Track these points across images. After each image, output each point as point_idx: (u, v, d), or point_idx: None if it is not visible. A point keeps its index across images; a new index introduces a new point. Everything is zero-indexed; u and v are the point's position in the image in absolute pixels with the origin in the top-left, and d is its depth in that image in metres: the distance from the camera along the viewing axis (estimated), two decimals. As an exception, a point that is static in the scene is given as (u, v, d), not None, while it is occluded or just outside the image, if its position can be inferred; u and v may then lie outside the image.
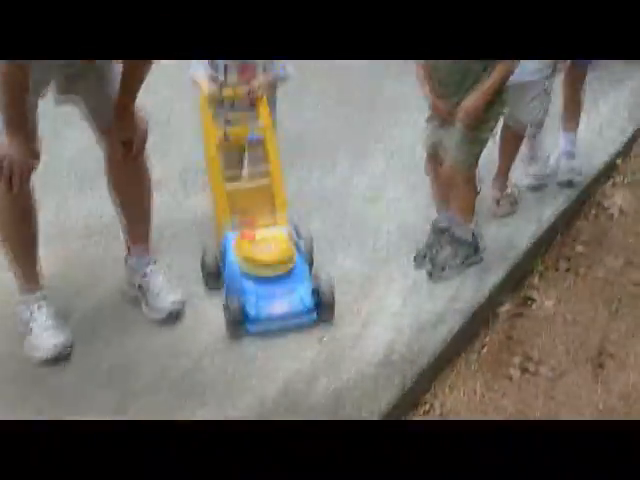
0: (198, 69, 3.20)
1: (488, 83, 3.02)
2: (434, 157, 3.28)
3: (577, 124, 3.90)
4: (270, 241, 3.06)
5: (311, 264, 3.18)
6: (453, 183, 3.21)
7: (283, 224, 3.18)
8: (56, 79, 2.80)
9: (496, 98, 3.09)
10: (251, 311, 2.93)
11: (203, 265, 3.18)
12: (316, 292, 2.99)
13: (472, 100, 3.04)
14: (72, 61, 2.72)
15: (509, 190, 3.69)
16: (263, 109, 3.22)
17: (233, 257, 3.05)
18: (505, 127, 3.54)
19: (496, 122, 3.20)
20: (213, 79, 3.19)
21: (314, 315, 2.99)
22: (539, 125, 3.66)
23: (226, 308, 2.96)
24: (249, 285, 2.99)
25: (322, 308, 2.99)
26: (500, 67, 3.00)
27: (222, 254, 3.13)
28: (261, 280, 2.99)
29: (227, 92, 3.21)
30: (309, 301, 2.97)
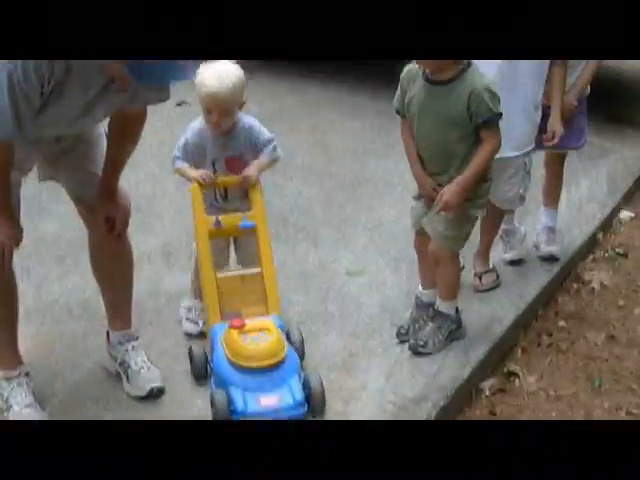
0: (183, 164, 3.17)
1: (470, 171, 3.03)
2: (422, 234, 3.29)
3: (558, 200, 3.96)
4: (260, 331, 2.94)
5: (302, 355, 3.10)
6: (439, 261, 3.22)
7: (274, 313, 3.10)
8: (40, 159, 2.83)
9: (487, 175, 3.13)
10: (238, 405, 2.80)
11: (190, 356, 3.09)
12: (307, 385, 2.89)
13: (452, 190, 3.04)
14: (57, 139, 2.76)
15: (491, 265, 3.72)
16: (256, 196, 3.17)
17: (221, 347, 2.95)
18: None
19: (485, 199, 3.21)
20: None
21: (304, 408, 2.86)
22: (520, 201, 3.70)
23: (212, 404, 2.84)
24: (237, 377, 2.87)
25: (313, 401, 2.88)
26: (483, 151, 3.02)
27: (210, 344, 3.05)
28: (250, 372, 2.87)
29: (221, 179, 3.16)
30: (299, 394, 2.85)
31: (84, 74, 2.46)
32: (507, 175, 3.49)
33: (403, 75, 3.13)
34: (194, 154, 3.15)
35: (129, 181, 4.36)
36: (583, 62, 3.66)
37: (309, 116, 5.40)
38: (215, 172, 3.15)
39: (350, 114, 5.44)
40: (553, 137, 3.52)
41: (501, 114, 3.00)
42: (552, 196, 3.94)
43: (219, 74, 3.01)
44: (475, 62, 2.99)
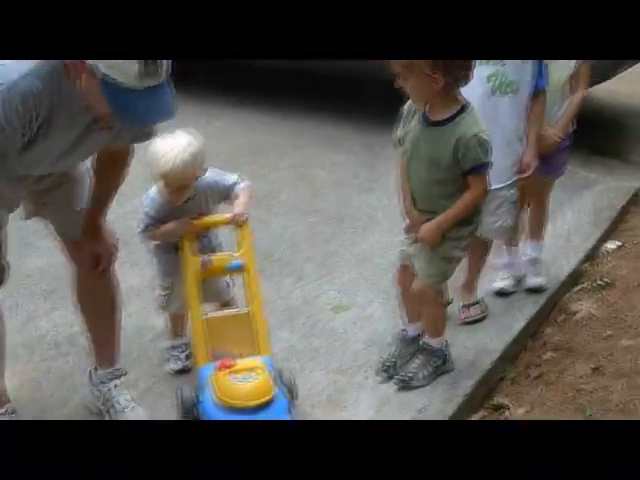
0: (146, 232, 3.13)
1: (450, 213, 3.03)
2: (406, 268, 3.27)
3: (543, 233, 3.98)
4: (249, 371, 2.91)
5: (294, 397, 3.05)
6: (424, 299, 3.21)
7: (264, 353, 3.06)
8: (25, 197, 2.82)
9: (472, 218, 3.12)
10: None
11: (179, 397, 3.03)
12: None
13: (428, 227, 3.06)
14: (43, 176, 2.75)
15: (477, 297, 3.72)
16: (246, 235, 3.13)
17: (210, 388, 2.91)
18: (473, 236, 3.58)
19: (468, 241, 3.19)
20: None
21: None
22: (506, 233, 3.71)
23: None
24: (225, 417, 2.83)
25: None
26: (466, 197, 3.02)
27: (199, 385, 3.01)
28: (238, 411, 2.83)
29: (210, 220, 3.13)
30: None
31: (68, 113, 2.46)
32: (493, 207, 3.50)
33: (405, 107, 3.12)
34: (158, 219, 3.10)
35: (116, 215, 4.35)
36: (568, 97, 3.69)
37: (293, 150, 5.41)
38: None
39: (334, 148, 5.45)
40: (527, 169, 3.53)
41: (488, 163, 3.00)
42: (537, 228, 3.96)
43: (171, 153, 2.90)
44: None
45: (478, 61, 3.18)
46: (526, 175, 3.55)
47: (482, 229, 3.50)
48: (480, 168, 3.00)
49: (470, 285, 3.71)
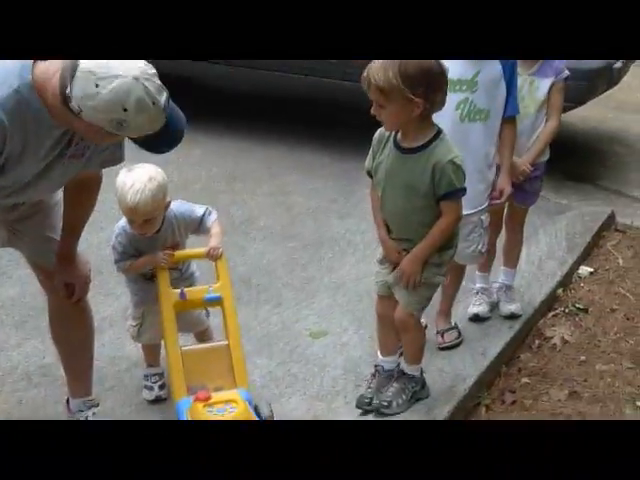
0: (120, 265, 3.11)
1: (426, 242, 3.04)
2: (384, 299, 3.26)
3: (517, 260, 4.01)
4: (226, 403, 2.89)
5: None
6: (406, 327, 3.20)
7: (241, 386, 3.04)
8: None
9: (451, 242, 3.14)
10: None
11: None
12: None
13: (408, 260, 3.07)
14: (14, 205, 2.74)
15: (453, 322, 3.74)
16: (223, 268, 3.13)
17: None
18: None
19: (447, 265, 3.21)
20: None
21: None
22: (479, 258, 3.74)
23: None
24: None
25: None
26: (440, 223, 3.03)
27: (176, 418, 2.98)
28: None
29: (184, 254, 3.14)
30: None
31: (38, 143, 2.45)
32: (466, 232, 3.52)
33: (375, 137, 3.12)
34: (130, 249, 3.09)
35: (90, 243, 4.34)
36: (541, 125, 3.72)
37: (271, 177, 5.43)
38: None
39: (312, 174, 5.48)
40: (501, 196, 3.57)
41: (464, 189, 3.03)
42: (510, 256, 3.98)
43: (137, 186, 2.91)
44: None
45: (449, 87, 3.23)
46: (500, 202, 3.59)
47: (456, 254, 3.54)
48: (455, 194, 3.02)
49: (446, 311, 3.73)
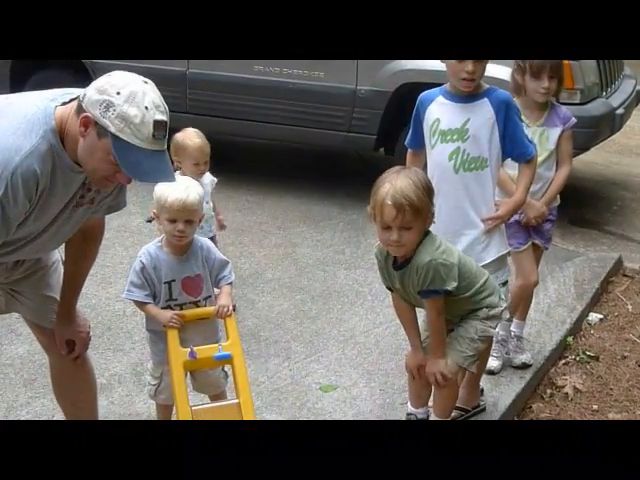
0: (132, 291, 3.08)
1: (434, 338, 3.05)
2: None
3: (526, 314, 3.98)
4: None
5: None
6: (448, 383, 3.11)
7: None
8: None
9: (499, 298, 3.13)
10: None
11: None
12: None
13: (435, 363, 3.06)
14: (17, 264, 2.76)
15: (466, 374, 3.70)
16: (232, 326, 3.12)
17: None
18: None
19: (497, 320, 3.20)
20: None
21: None
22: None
23: None
24: None
25: None
26: (429, 316, 3.05)
27: None
28: None
29: (193, 313, 3.11)
30: None
31: (63, 189, 2.49)
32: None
33: (376, 254, 3.09)
34: (150, 278, 3.08)
35: (99, 299, 4.35)
36: (550, 173, 3.72)
37: (278, 229, 5.45)
38: (171, 295, 3.09)
39: (319, 225, 5.50)
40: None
41: (438, 290, 2.96)
42: (522, 307, 3.94)
43: (184, 184, 3.04)
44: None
45: (440, 139, 3.24)
46: (493, 218, 3.35)
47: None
48: (429, 293, 2.97)
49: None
